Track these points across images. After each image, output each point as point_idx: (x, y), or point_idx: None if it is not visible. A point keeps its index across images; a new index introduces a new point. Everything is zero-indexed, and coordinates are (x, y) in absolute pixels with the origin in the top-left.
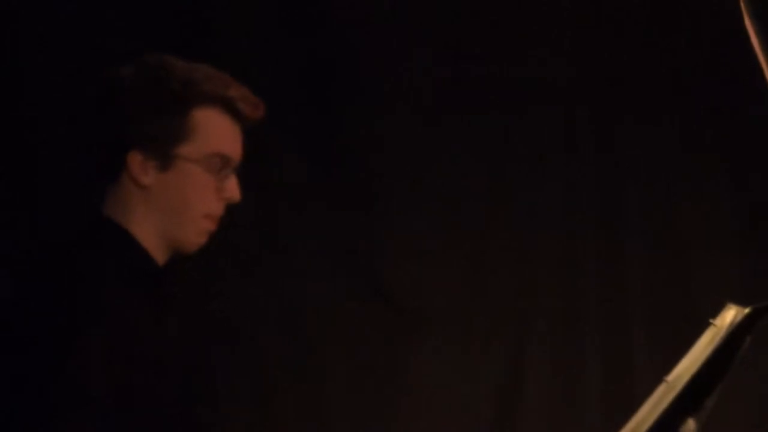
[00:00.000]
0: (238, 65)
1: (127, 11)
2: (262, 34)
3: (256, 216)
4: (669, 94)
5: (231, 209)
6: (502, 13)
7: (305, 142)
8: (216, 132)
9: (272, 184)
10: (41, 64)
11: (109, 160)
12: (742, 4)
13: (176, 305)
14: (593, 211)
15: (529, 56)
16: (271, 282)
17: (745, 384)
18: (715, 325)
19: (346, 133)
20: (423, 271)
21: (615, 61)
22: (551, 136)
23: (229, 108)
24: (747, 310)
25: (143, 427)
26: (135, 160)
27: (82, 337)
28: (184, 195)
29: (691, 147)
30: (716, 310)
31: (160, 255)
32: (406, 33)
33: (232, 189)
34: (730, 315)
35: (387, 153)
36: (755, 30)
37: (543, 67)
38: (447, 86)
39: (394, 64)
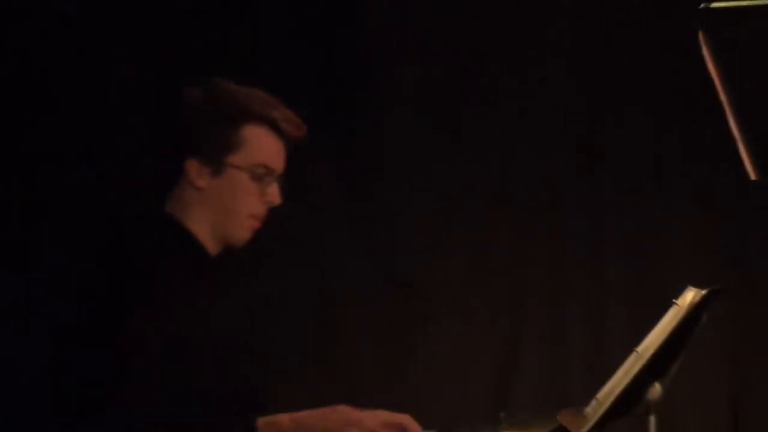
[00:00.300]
0: (271, 79)
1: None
2: (289, 48)
3: (292, 216)
4: (641, 93)
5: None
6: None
7: (333, 148)
8: (261, 146)
9: (306, 190)
10: (118, 79)
11: (170, 166)
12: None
13: (227, 289)
14: (580, 210)
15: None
16: (305, 271)
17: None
18: (677, 305)
19: (368, 139)
20: (433, 261)
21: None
22: (542, 134)
23: (274, 126)
24: (704, 292)
25: (200, 381)
26: (192, 166)
27: (149, 309)
28: (233, 198)
29: (662, 147)
30: (679, 292)
31: (212, 247)
32: (417, 37)
33: (274, 194)
34: (690, 296)
35: (404, 157)
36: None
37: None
38: (461, 92)
39: (410, 69)
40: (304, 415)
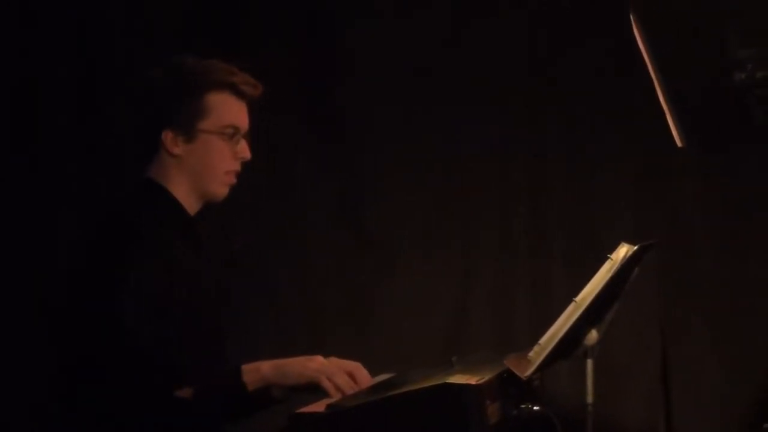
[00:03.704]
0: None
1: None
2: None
3: (268, 180)
4: (581, 71)
5: (251, 177)
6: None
7: (310, 124)
8: (226, 109)
9: (284, 157)
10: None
11: (148, 139)
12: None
13: (205, 245)
14: (525, 177)
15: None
16: (278, 228)
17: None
18: (611, 259)
19: (339, 118)
20: (395, 221)
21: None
22: (490, 107)
23: (235, 90)
24: (635, 248)
25: (185, 326)
26: (167, 136)
27: (138, 261)
28: (208, 159)
29: (599, 119)
30: (613, 247)
31: (192, 206)
32: (389, 30)
33: (244, 150)
34: (623, 251)
35: (371, 131)
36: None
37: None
38: (420, 78)
39: (381, 57)
40: (282, 362)
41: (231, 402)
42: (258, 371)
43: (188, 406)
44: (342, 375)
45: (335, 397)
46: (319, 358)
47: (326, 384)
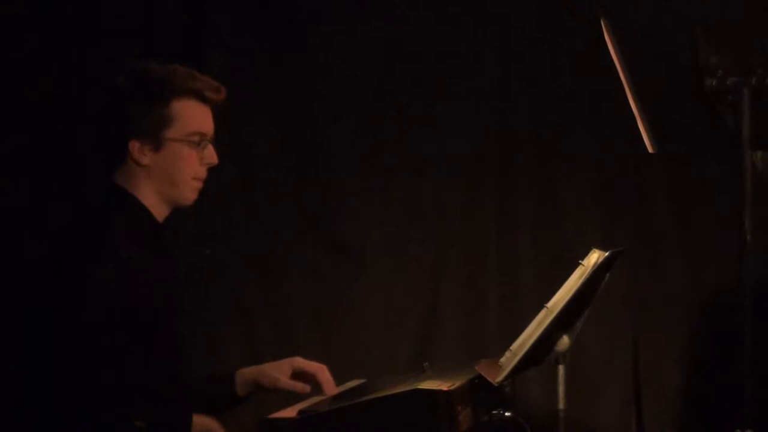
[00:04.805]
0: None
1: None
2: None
3: (239, 187)
4: (552, 75)
5: (221, 184)
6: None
7: (281, 133)
8: (191, 116)
9: (255, 166)
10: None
11: (115, 149)
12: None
13: (173, 251)
14: (495, 184)
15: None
16: (249, 236)
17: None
18: (583, 265)
19: (310, 129)
20: (363, 228)
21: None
22: (458, 111)
23: (199, 96)
24: (606, 254)
25: (148, 331)
26: (134, 146)
27: (104, 266)
28: (176, 167)
29: (569, 124)
30: (584, 254)
31: (160, 213)
32: (358, 37)
33: (211, 155)
34: (594, 257)
35: (340, 141)
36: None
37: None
38: (385, 89)
39: (351, 65)
40: (264, 366)
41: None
42: (242, 374)
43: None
44: (323, 375)
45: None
46: (297, 359)
47: (294, 387)
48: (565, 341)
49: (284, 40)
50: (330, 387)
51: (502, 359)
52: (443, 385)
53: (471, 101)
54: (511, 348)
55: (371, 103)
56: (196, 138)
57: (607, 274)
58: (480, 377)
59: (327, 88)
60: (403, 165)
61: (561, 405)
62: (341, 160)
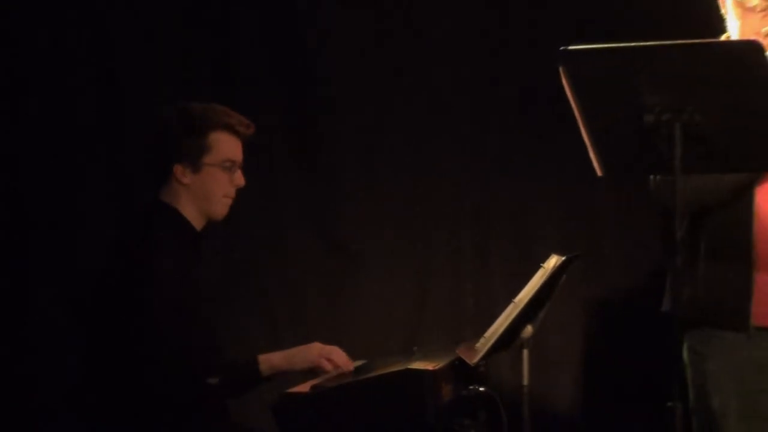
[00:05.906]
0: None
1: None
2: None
3: (257, 197)
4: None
5: (241, 193)
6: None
7: (289, 144)
8: (225, 146)
9: (267, 175)
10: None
11: (160, 170)
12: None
13: (206, 255)
14: (472, 197)
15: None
16: (264, 236)
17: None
18: (544, 267)
19: (315, 135)
20: (362, 228)
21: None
22: (445, 121)
23: (231, 130)
24: (563, 258)
25: (195, 320)
26: (178, 170)
27: (165, 264)
28: (211, 186)
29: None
30: (545, 258)
31: (198, 223)
32: (361, 44)
33: (239, 179)
34: (553, 261)
35: (343, 148)
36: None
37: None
38: (390, 97)
39: (353, 70)
40: (291, 351)
41: (247, 387)
42: (270, 361)
43: (214, 390)
44: (339, 355)
45: (334, 373)
46: (317, 344)
47: (326, 365)
48: (528, 330)
49: (285, 40)
50: (347, 364)
51: (478, 344)
52: (429, 366)
53: (450, 124)
54: (485, 335)
55: (371, 109)
56: (228, 164)
57: (564, 275)
58: (460, 359)
59: (329, 93)
60: (397, 176)
61: (525, 381)
62: (342, 167)
